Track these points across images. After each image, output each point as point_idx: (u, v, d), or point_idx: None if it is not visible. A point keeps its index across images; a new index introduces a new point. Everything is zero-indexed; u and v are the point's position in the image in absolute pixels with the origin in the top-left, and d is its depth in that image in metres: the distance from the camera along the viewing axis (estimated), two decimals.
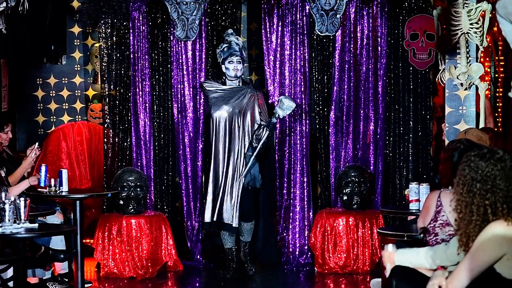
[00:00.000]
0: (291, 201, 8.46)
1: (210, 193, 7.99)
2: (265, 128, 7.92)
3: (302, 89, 8.46)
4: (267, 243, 8.33)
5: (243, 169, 7.91)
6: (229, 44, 8.00)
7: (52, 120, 9.46)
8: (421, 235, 4.83)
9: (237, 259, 8.03)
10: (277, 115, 7.92)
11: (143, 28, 8.55)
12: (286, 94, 8.34)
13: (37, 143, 7.50)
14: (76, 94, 9.49)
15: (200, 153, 8.55)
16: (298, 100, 8.36)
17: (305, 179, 8.46)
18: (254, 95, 8.01)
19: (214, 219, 7.94)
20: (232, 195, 7.91)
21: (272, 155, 8.30)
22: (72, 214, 7.51)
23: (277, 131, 8.41)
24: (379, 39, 8.43)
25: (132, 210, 8.16)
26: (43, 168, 7.27)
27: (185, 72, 8.56)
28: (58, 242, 7.25)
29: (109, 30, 8.59)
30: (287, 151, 8.46)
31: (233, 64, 7.97)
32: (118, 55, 8.64)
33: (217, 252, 8.40)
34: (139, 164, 8.56)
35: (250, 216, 8.01)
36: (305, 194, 8.46)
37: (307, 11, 8.46)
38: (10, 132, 7.72)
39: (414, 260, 4.42)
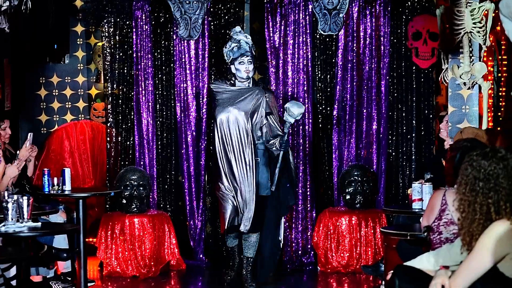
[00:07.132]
0: (294, 200, 8.44)
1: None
2: (277, 144, 7.23)
3: (305, 88, 8.45)
4: (271, 257, 7.61)
5: (253, 174, 7.24)
6: (239, 43, 7.36)
7: (55, 119, 9.47)
8: (425, 234, 4.83)
9: (238, 269, 7.54)
10: (288, 125, 7.20)
11: (146, 27, 8.55)
12: (290, 94, 8.30)
13: (30, 135, 7.32)
14: (79, 93, 9.49)
15: (203, 152, 8.55)
16: (301, 99, 8.33)
17: (308, 178, 8.46)
18: (263, 97, 7.35)
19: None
20: (243, 200, 7.25)
21: (288, 166, 7.46)
22: (75, 213, 7.52)
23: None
24: (382, 38, 8.42)
25: (135, 209, 8.16)
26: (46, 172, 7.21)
27: (188, 71, 8.56)
28: (61, 241, 7.27)
29: (112, 29, 8.60)
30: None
31: (244, 65, 7.31)
32: (121, 54, 8.64)
33: (220, 251, 8.38)
34: (142, 163, 8.56)
35: (256, 226, 7.32)
36: (308, 193, 8.46)
37: (310, 10, 8.45)
38: (8, 128, 7.69)
39: (417, 266, 4.41)
